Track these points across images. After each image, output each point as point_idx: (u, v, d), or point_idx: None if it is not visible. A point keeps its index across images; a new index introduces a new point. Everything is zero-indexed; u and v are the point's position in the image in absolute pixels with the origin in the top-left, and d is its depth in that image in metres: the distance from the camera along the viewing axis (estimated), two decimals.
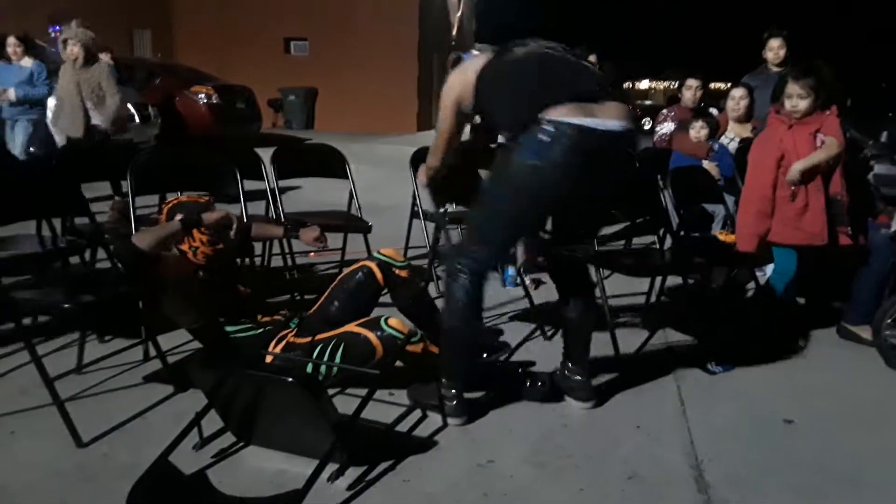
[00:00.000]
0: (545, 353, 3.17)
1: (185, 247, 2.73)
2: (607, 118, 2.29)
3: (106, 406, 2.58)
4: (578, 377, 2.73)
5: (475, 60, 2.61)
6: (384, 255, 2.93)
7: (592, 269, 3.37)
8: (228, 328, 2.73)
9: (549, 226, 2.65)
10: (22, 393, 2.61)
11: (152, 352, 2.87)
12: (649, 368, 3.16)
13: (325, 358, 2.62)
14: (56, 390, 2.34)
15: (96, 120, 5.79)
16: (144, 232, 2.63)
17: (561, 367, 2.78)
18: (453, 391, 2.57)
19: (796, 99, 3.30)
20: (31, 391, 2.54)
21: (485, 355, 3.09)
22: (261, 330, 2.76)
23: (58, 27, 14.40)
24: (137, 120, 8.78)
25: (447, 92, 2.65)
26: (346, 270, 2.97)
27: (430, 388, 2.65)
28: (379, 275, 2.88)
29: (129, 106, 8.74)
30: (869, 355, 3.40)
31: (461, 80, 2.60)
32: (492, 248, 2.51)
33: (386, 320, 2.65)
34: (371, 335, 2.61)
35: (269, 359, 2.65)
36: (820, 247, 3.27)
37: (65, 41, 5.73)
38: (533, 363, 3.12)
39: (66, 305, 2.45)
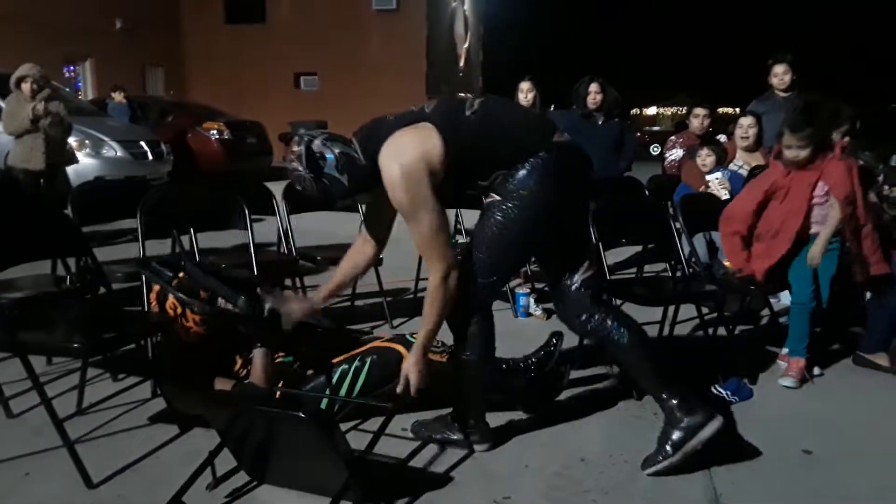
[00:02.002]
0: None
1: (178, 328, 2.70)
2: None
3: (118, 445, 2.58)
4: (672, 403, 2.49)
5: (414, 133, 2.30)
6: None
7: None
8: None
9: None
10: (36, 433, 2.61)
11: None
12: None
13: (350, 372, 2.67)
14: (66, 431, 2.34)
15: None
16: (255, 379, 2.65)
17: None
18: (472, 420, 2.58)
19: (796, 150, 3.24)
20: (44, 431, 2.54)
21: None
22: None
23: (72, 67, 14.72)
24: (150, 157, 8.90)
25: (410, 161, 2.23)
26: (376, 342, 2.84)
27: (437, 423, 2.66)
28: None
29: (142, 143, 8.91)
30: (887, 383, 3.35)
31: (421, 144, 2.27)
32: (496, 280, 2.47)
33: (412, 334, 2.69)
34: (401, 347, 2.67)
35: (278, 395, 2.65)
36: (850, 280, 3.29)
37: (22, 79, 5.97)
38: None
39: (76, 345, 2.45)
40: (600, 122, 5.32)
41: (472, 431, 2.58)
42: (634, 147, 5.78)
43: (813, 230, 3.29)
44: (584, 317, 2.50)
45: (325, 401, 2.65)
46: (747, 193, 3.51)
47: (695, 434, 2.40)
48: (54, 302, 3.25)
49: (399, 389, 2.43)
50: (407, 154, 2.25)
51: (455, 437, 2.59)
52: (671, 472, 2.41)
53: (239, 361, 2.80)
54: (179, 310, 2.65)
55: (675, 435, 2.42)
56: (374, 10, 17.84)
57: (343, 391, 2.70)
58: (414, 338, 2.69)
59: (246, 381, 2.69)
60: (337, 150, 2.33)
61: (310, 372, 2.77)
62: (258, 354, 2.65)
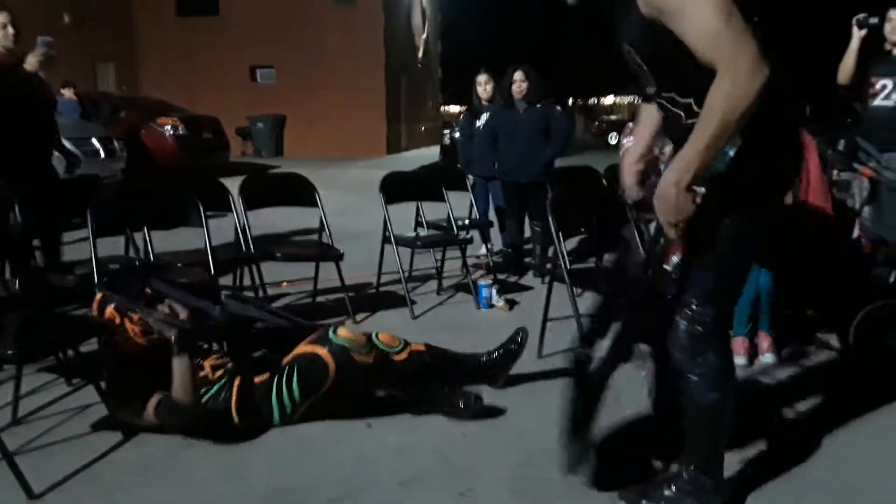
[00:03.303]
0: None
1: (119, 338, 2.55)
2: None
3: (64, 453, 2.48)
4: None
5: None
6: (342, 339, 2.64)
7: (566, 289, 3.40)
8: None
9: None
10: None
11: None
12: (626, 383, 3.14)
13: (284, 388, 2.59)
14: (2, 441, 2.24)
15: None
16: (177, 392, 2.50)
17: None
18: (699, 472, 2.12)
19: None
20: None
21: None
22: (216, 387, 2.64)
23: None
24: (103, 154, 8.68)
25: None
26: (299, 348, 2.70)
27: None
28: (332, 367, 2.59)
29: (94, 140, 8.68)
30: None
31: None
32: (727, 302, 2.09)
33: (334, 330, 2.64)
34: (321, 350, 2.59)
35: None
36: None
37: None
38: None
39: (10, 352, 2.35)
40: (521, 111, 5.25)
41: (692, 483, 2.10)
42: (569, 135, 5.54)
43: None
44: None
45: (276, 411, 2.61)
46: None
47: None
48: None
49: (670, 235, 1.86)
50: None
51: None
52: None
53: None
54: (118, 320, 2.50)
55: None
56: (331, 2, 17.64)
57: (286, 405, 2.62)
58: (336, 335, 2.62)
59: (167, 393, 2.51)
60: None
61: (258, 379, 2.65)
62: (177, 363, 2.48)
